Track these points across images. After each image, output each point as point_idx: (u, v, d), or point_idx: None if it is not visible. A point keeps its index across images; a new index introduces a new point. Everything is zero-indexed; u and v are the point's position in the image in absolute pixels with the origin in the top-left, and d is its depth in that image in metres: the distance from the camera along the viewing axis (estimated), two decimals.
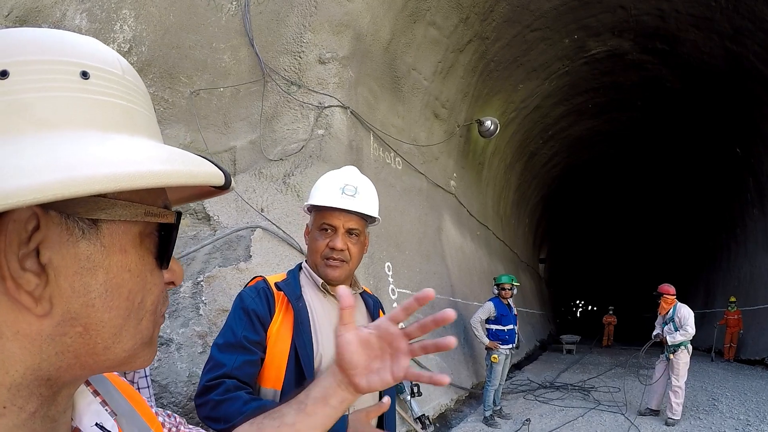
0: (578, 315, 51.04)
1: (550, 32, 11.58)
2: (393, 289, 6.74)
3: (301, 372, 1.61)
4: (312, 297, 1.78)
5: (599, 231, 35.87)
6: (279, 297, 1.73)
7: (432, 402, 6.68)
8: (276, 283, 1.77)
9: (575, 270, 43.41)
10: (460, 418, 7.56)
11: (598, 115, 17.13)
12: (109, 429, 0.60)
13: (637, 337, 23.99)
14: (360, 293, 1.92)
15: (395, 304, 6.62)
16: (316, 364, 1.65)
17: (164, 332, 3.72)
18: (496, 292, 8.12)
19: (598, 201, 28.69)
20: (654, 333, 8.15)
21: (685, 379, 7.62)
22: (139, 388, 2.00)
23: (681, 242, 25.83)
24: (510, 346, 7.90)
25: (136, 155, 0.46)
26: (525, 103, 13.80)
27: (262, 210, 4.97)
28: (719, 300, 18.01)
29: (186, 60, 5.79)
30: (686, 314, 7.66)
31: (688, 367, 7.68)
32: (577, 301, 52.10)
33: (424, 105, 8.90)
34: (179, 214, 0.58)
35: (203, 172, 0.51)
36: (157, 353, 3.65)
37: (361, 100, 6.76)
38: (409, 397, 5.67)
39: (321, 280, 1.78)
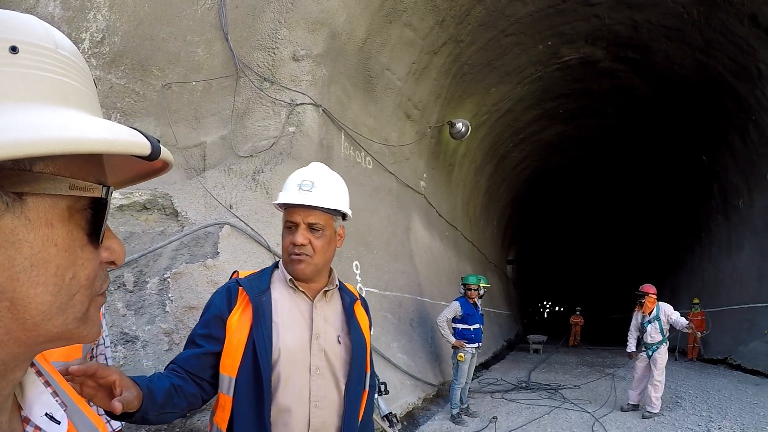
0: (545, 315, 51.74)
1: (524, 37, 11.71)
2: (361, 288, 6.77)
3: (257, 362, 1.65)
4: (281, 292, 1.81)
5: (568, 234, 36.33)
6: (242, 291, 1.77)
7: (399, 400, 6.73)
8: (238, 280, 1.81)
9: (543, 271, 43.95)
10: (427, 417, 7.61)
11: (569, 120, 17.36)
12: (58, 419, 0.61)
13: (604, 338, 24.48)
14: (339, 289, 1.93)
15: None
16: (274, 357, 1.69)
17: (129, 329, 3.69)
18: (463, 291, 8.22)
19: (568, 204, 29.05)
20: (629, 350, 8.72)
21: (664, 373, 8.00)
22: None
23: (648, 245, 26.36)
24: (476, 345, 8.00)
25: (52, 123, 0.46)
26: (497, 107, 13.93)
27: (230, 206, 4.95)
28: (684, 302, 18.46)
29: (159, 52, 5.72)
30: (670, 312, 8.13)
31: (666, 362, 8.05)
32: (545, 302, 52.81)
33: (397, 105, 8.94)
34: (109, 189, 0.57)
35: (121, 140, 0.50)
36: (122, 350, 3.62)
37: (333, 98, 6.76)
38: (376, 396, 5.67)
39: (289, 276, 1.80)
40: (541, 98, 15.24)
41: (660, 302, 8.34)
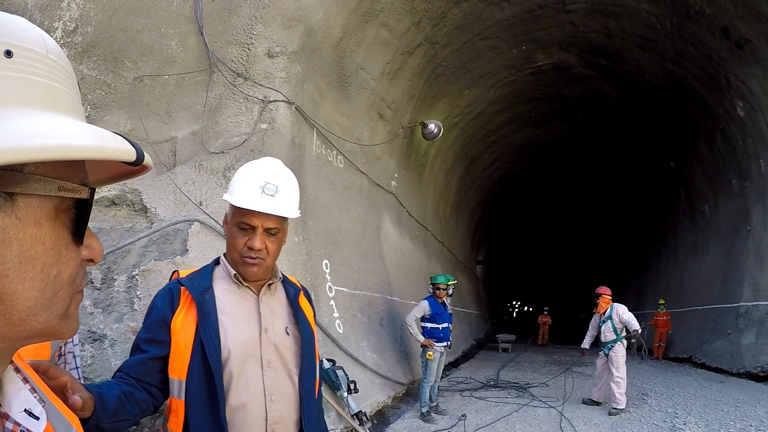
0: (514, 315, 52.35)
1: (499, 41, 11.82)
2: (330, 287, 6.77)
3: (207, 362, 1.62)
4: (224, 289, 1.77)
5: (537, 235, 36.77)
6: (184, 291, 1.72)
7: (369, 399, 6.74)
8: (179, 279, 1.77)
9: (513, 272, 44.42)
10: (397, 415, 7.64)
11: (541, 124, 17.58)
12: (37, 415, 0.62)
13: (572, 337, 24.91)
14: (282, 281, 1.91)
15: (332, 302, 6.66)
16: (224, 356, 1.66)
17: (97, 328, 3.64)
18: (432, 291, 8.29)
19: (538, 206, 29.41)
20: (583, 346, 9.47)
21: (625, 370, 8.26)
22: (65, 363, 1.98)
23: (616, 248, 26.93)
24: (445, 343, 8.07)
25: (48, 130, 0.48)
26: (469, 109, 14.03)
27: (200, 203, 4.92)
28: (650, 302, 18.99)
29: (132, 44, 5.63)
30: (622, 312, 8.44)
31: (625, 359, 8.35)
32: (514, 302, 53.43)
33: (370, 105, 8.95)
34: (93, 191, 0.60)
35: (111, 147, 0.53)
36: (90, 349, 3.57)
37: (306, 96, 6.74)
38: (345, 394, 5.64)
39: (234, 272, 1.77)
40: (513, 101, 15.38)
41: (614, 303, 8.69)
